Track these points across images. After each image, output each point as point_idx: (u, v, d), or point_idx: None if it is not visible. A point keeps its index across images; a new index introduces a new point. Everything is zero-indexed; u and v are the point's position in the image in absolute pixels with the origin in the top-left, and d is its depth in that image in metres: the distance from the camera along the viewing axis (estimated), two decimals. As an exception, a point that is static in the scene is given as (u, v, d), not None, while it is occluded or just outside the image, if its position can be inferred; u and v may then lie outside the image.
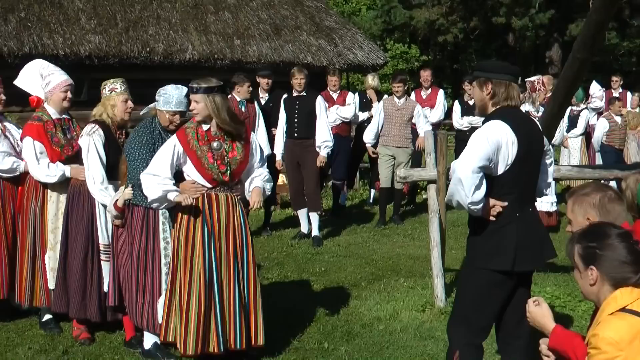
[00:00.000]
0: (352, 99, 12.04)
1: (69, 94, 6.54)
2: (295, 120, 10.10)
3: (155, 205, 5.44)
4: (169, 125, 5.79)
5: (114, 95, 6.17)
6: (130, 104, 6.21)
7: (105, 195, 6.03)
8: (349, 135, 12.36)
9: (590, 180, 10.74)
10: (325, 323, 6.72)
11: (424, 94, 12.78)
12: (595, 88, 14.83)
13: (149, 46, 13.84)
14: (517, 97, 4.52)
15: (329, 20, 16.31)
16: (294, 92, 10.19)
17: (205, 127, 5.50)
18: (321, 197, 10.87)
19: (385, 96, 12.18)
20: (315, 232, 10.21)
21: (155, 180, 5.32)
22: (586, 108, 13.72)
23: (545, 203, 10.46)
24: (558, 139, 11.31)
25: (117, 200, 5.81)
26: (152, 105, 5.93)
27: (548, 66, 28.07)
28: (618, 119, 12.98)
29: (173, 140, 5.44)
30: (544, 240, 4.66)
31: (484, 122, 4.50)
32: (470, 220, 4.65)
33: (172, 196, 5.33)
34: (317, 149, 9.99)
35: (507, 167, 4.39)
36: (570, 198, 3.88)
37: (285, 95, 10.32)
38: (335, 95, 12.00)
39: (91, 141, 6.05)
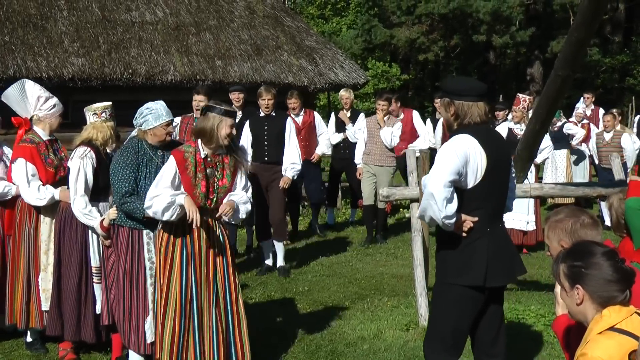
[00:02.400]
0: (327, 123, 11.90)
1: (59, 118, 6.67)
2: (265, 142, 9.60)
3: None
4: (166, 137, 5.83)
5: (104, 123, 6.23)
6: (115, 131, 6.37)
7: (89, 218, 6.05)
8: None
9: (571, 201, 10.86)
10: (309, 342, 6.75)
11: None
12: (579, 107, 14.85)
13: (131, 68, 13.87)
14: (484, 115, 4.54)
15: (309, 40, 16.40)
16: (262, 112, 9.69)
17: (202, 153, 5.52)
18: (287, 225, 10.61)
19: (361, 115, 12.20)
20: (280, 262, 9.67)
21: (161, 196, 5.33)
22: (567, 121, 13.77)
23: (520, 222, 10.51)
24: (544, 156, 11.42)
25: (102, 220, 5.87)
26: (134, 132, 5.97)
27: (529, 83, 28.28)
28: (607, 136, 12.93)
29: (172, 162, 5.45)
30: (514, 256, 4.71)
31: (450, 137, 4.54)
32: (439, 236, 4.65)
33: (180, 198, 5.32)
34: (283, 171, 9.49)
35: (477, 180, 4.42)
36: (546, 224, 3.93)
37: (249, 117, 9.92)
38: (299, 119, 11.50)
39: (81, 165, 6.09)
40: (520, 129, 10.66)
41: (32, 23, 13.88)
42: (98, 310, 6.20)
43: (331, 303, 8.16)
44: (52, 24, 14.04)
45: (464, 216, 4.42)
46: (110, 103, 6.39)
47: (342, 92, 12.78)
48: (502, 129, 10.96)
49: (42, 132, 6.57)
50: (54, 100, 6.63)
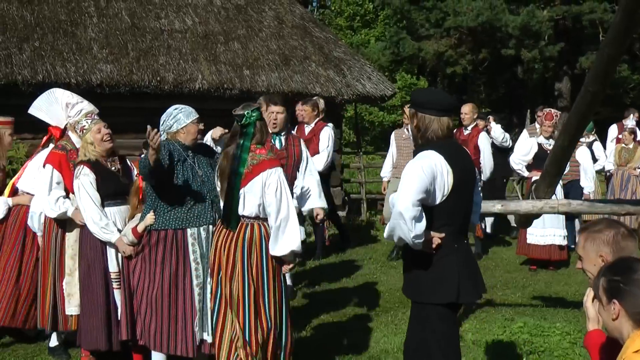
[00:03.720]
0: (328, 138, 10.42)
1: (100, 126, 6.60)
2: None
3: None
4: (197, 135, 5.88)
5: (87, 134, 6.20)
6: (104, 130, 6.19)
7: (107, 232, 6.05)
8: None
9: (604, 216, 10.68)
10: (333, 355, 6.70)
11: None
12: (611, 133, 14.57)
13: (159, 75, 13.91)
14: (445, 130, 4.49)
15: (337, 51, 16.38)
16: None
17: None
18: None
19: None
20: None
21: None
22: (596, 140, 13.63)
23: (558, 237, 10.43)
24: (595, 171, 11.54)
25: (136, 226, 5.82)
26: (162, 136, 5.95)
27: (557, 99, 28.08)
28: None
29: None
30: (479, 273, 4.68)
31: (415, 153, 4.49)
32: (405, 254, 4.60)
33: None
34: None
35: (444, 197, 4.37)
36: (582, 234, 3.84)
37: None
38: (307, 129, 10.58)
39: (80, 184, 6.10)
40: (548, 144, 10.57)
41: (62, 29, 13.97)
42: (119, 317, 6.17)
43: (354, 315, 8.11)
44: (81, 30, 14.12)
45: (432, 233, 4.38)
46: (86, 112, 6.34)
47: (321, 104, 11.23)
48: (530, 144, 10.88)
49: (75, 139, 6.56)
50: (81, 105, 6.58)
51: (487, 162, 11.12)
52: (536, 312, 8.15)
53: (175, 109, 5.88)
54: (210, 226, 5.80)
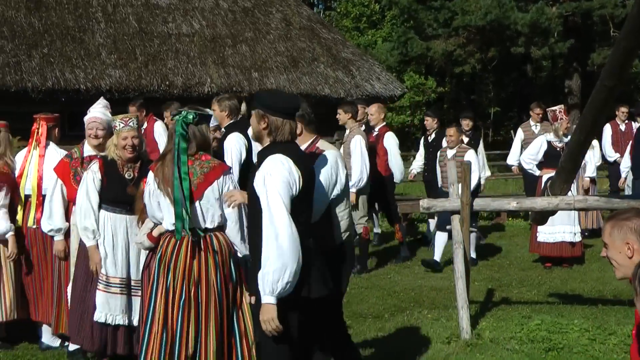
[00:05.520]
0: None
1: (94, 131, 6.52)
2: None
3: None
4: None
5: (115, 134, 6.16)
6: (129, 141, 6.05)
7: (85, 234, 6.08)
8: None
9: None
10: (349, 356, 6.65)
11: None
12: None
13: (168, 80, 13.92)
14: (295, 132, 4.51)
15: (346, 51, 16.36)
16: None
17: None
18: None
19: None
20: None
21: None
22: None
23: (569, 234, 10.36)
24: (592, 171, 11.39)
25: (151, 232, 5.74)
26: None
27: (567, 96, 27.95)
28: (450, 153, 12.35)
29: None
30: (326, 269, 4.61)
31: (262, 156, 4.43)
32: (255, 254, 4.48)
33: None
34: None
35: (295, 198, 4.33)
36: (609, 222, 3.75)
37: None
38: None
39: (84, 178, 6.12)
40: (558, 142, 10.52)
41: (70, 35, 13.99)
42: (135, 322, 6.13)
43: (370, 315, 8.06)
44: (89, 36, 14.14)
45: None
46: (123, 115, 6.28)
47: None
48: (539, 142, 10.80)
49: (87, 147, 6.57)
50: (86, 116, 6.60)
51: (395, 164, 10.97)
52: (553, 309, 8.07)
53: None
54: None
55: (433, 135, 12.12)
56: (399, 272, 10.38)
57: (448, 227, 10.03)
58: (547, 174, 9.92)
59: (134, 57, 14.05)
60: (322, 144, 5.17)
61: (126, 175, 6.14)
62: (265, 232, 4.21)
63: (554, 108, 10.97)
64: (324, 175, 4.93)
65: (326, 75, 15.32)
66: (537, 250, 10.62)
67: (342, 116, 10.26)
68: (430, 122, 12.27)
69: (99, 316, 6.06)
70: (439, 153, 11.03)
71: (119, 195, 6.06)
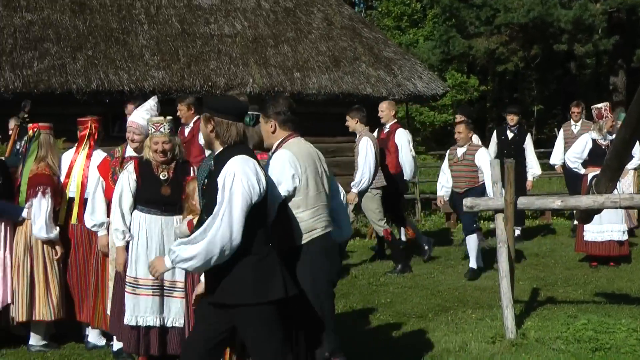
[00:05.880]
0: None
1: (131, 135, 6.64)
2: None
3: None
4: None
5: (148, 138, 6.23)
6: (160, 146, 6.13)
7: (115, 233, 6.22)
8: None
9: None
10: (392, 355, 6.63)
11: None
12: None
13: (210, 80, 13.99)
14: (242, 135, 4.51)
15: (387, 50, 16.30)
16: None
17: None
18: None
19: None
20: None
21: None
22: None
23: (617, 232, 10.21)
24: (634, 164, 11.15)
25: (192, 220, 5.77)
26: None
27: (612, 93, 27.55)
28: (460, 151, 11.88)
29: None
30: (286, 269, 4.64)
31: (220, 159, 4.44)
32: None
33: None
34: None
35: (260, 198, 4.37)
36: None
37: None
38: (187, 129, 9.57)
39: (120, 178, 6.26)
40: (602, 139, 10.39)
41: (114, 37, 14.13)
42: (180, 324, 6.16)
43: (414, 315, 8.02)
44: (133, 37, 14.27)
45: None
46: (155, 120, 6.28)
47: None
48: (584, 141, 10.66)
49: (129, 148, 6.69)
50: (128, 119, 6.75)
51: (405, 160, 10.86)
52: (599, 308, 7.97)
53: None
54: None
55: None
56: (442, 272, 10.33)
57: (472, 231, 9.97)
58: (592, 172, 9.81)
59: (177, 58, 14.14)
60: (293, 142, 5.11)
61: (161, 176, 6.18)
62: (213, 226, 4.23)
63: (598, 105, 10.83)
64: (276, 174, 4.92)
65: (368, 74, 15.28)
66: (584, 249, 10.50)
67: (350, 122, 10.39)
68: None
69: (128, 319, 6.13)
70: (448, 152, 10.76)
71: (154, 195, 6.13)
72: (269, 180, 4.66)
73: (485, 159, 9.90)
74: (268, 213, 4.63)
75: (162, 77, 13.68)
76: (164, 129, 6.14)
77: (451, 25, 28.89)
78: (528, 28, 25.72)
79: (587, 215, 8.19)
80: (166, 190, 6.13)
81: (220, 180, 4.32)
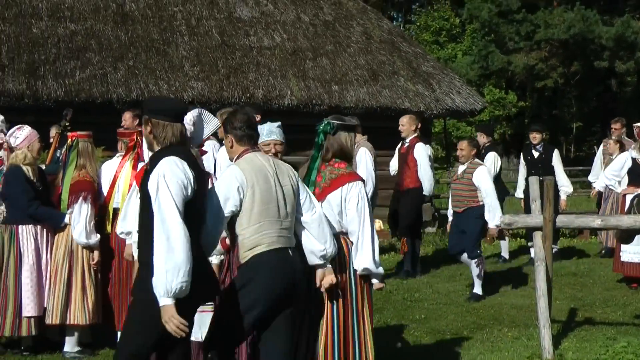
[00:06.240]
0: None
1: None
2: None
3: None
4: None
5: None
6: None
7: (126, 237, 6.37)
8: None
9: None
10: (428, 372, 6.58)
11: None
12: None
13: (249, 92, 14.07)
14: (179, 136, 4.52)
15: (426, 65, 16.27)
16: None
17: None
18: None
19: None
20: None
21: None
22: None
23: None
24: None
25: (225, 238, 5.79)
26: None
27: (654, 111, 27.24)
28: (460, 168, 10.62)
29: None
30: (211, 277, 4.69)
31: (154, 159, 4.45)
32: (141, 257, 4.55)
33: None
34: None
35: (189, 200, 4.38)
36: None
37: None
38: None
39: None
40: (645, 158, 10.22)
41: (154, 48, 14.27)
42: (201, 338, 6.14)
43: (449, 332, 7.95)
44: (173, 48, 14.40)
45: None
46: None
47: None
48: (623, 159, 10.49)
49: None
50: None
51: (424, 175, 10.66)
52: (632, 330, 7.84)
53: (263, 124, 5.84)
54: None
55: (482, 152, 11.98)
56: (478, 289, 10.22)
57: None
58: (631, 192, 9.67)
59: (216, 70, 14.24)
60: (247, 157, 5.02)
61: None
62: (156, 234, 4.26)
63: (639, 124, 10.67)
64: (222, 191, 4.84)
65: (406, 88, 15.26)
66: (621, 270, 10.30)
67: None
68: (480, 139, 12.09)
69: (195, 335, 6.11)
70: (450, 169, 10.59)
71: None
72: (214, 195, 4.73)
73: (484, 177, 9.47)
74: (203, 218, 4.63)
75: (202, 88, 13.79)
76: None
77: (490, 41, 28.80)
78: (568, 44, 25.57)
79: (628, 235, 8.07)
80: None
81: (152, 178, 4.37)
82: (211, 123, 6.63)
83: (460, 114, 16.10)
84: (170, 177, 4.32)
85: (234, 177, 4.84)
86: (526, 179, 11.56)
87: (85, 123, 8.92)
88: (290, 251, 4.94)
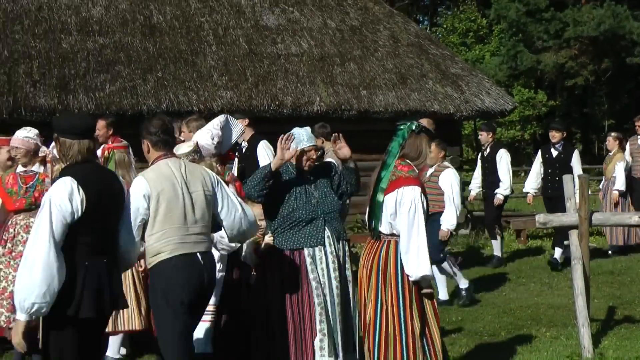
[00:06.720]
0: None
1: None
2: None
3: None
4: (305, 163, 5.79)
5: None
6: None
7: None
8: None
9: None
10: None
11: None
12: None
13: (277, 99, 14.07)
14: (85, 152, 4.67)
15: (454, 67, 16.19)
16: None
17: None
18: None
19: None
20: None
21: None
22: None
23: None
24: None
25: (257, 247, 5.84)
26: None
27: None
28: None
29: None
30: (111, 292, 4.69)
31: (56, 179, 4.67)
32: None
33: None
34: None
35: (77, 217, 4.52)
36: None
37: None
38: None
39: None
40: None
41: (183, 58, 14.33)
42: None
43: (486, 333, 7.91)
44: (201, 59, 14.46)
45: None
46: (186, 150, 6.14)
47: None
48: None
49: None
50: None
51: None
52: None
53: (291, 133, 5.85)
54: (323, 246, 5.76)
55: (488, 150, 11.90)
56: (514, 290, 10.18)
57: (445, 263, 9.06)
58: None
59: (245, 78, 14.27)
60: (159, 164, 5.09)
61: None
62: (25, 251, 4.51)
63: None
64: (132, 198, 4.94)
65: (435, 91, 15.19)
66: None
67: (317, 141, 9.55)
68: (485, 137, 12.02)
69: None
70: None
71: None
72: (129, 206, 4.87)
73: (447, 180, 8.96)
74: (101, 233, 4.69)
75: (230, 97, 13.82)
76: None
77: (518, 40, 28.65)
78: (598, 41, 25.36)
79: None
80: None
81: (43, 201, 4.58)
82: (236, 128, 6.68)
83: (490, 115, 15.98)
84: (55, 200, 4.51)
85: (140, 186, 4.97)
86: (544, 178, 11.51)
87: (117, 135, 9.02)
88: (199, 255, 5.03)
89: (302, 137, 5.79)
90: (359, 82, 14.90)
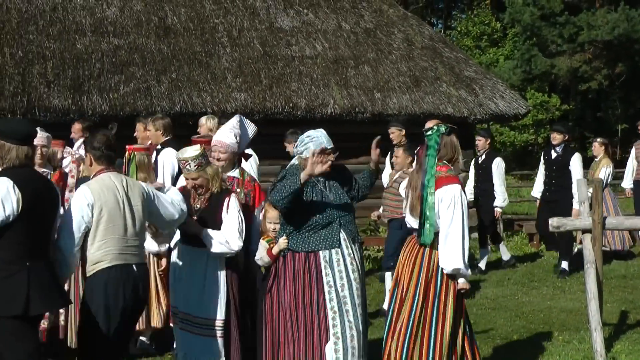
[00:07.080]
0: None
1: (216, 154, 6.56)
2: None
3: None
4: (326, 165, 5.74)
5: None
6: (191, 183, 6.05)
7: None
8: None
9: None
10: (478, 377, 6.51)
11: None
12: None
13: (291, 101, 14.10)
14: (24, 158, 4.81)
15: (468, 70, 16.17)
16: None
17: None
18: None
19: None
20: None
21: None
22: None
23: None
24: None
25: (271, 249, 5.87)
26: (294, 160, 6.01)
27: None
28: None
29: None
30: (57, 288, 4.91)
31: None
32: None
33: None
34: None
35: (14, 220, 4.65)
36: None
37: None
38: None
39: None
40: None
41: (197, 60, 14.38)
42: None
43: (499, 337, 7.90)
44: (215, 60, 14.50)
45: None
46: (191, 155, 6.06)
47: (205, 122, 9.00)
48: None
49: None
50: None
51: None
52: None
53: (308, 136, 5.85)
54: (339, 249, 5.77)
55: (483, 157, 11.84)
56: (526, 293, 10.16)
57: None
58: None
59: (259, 80, 14.30)
60: (101, 177, 5.25)
61: (195, 206, 6.11)
62: None
63: None
64: (75, 207, 5.11)
65: (449, 94, 15.19)
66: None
67: (289, 147, 9.09)
68: (483, 143, 11.95)
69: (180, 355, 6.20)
70: (388, 176, 9.65)
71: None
72: (70, 213, 5.05)
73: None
74: (39, 235, 4.83)
75: (244, 99, 13.85)
76: (190, 166, 5.99)
77: (532, 44, 28.57)
78: (612, 45, 25.28)
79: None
80: (190, 220, 5.95)
81: None
82: (250, 127, 6.72)
83: (504, 118, 15.97)
84: None
85: (84, 196, 5.12)
86: (543, 180, 11.49)
87: (131, 137, 9.07)
88: (134, 267, 5.26)
89: (321, 139, 5.80)
90: (373, 85, 14.91)
